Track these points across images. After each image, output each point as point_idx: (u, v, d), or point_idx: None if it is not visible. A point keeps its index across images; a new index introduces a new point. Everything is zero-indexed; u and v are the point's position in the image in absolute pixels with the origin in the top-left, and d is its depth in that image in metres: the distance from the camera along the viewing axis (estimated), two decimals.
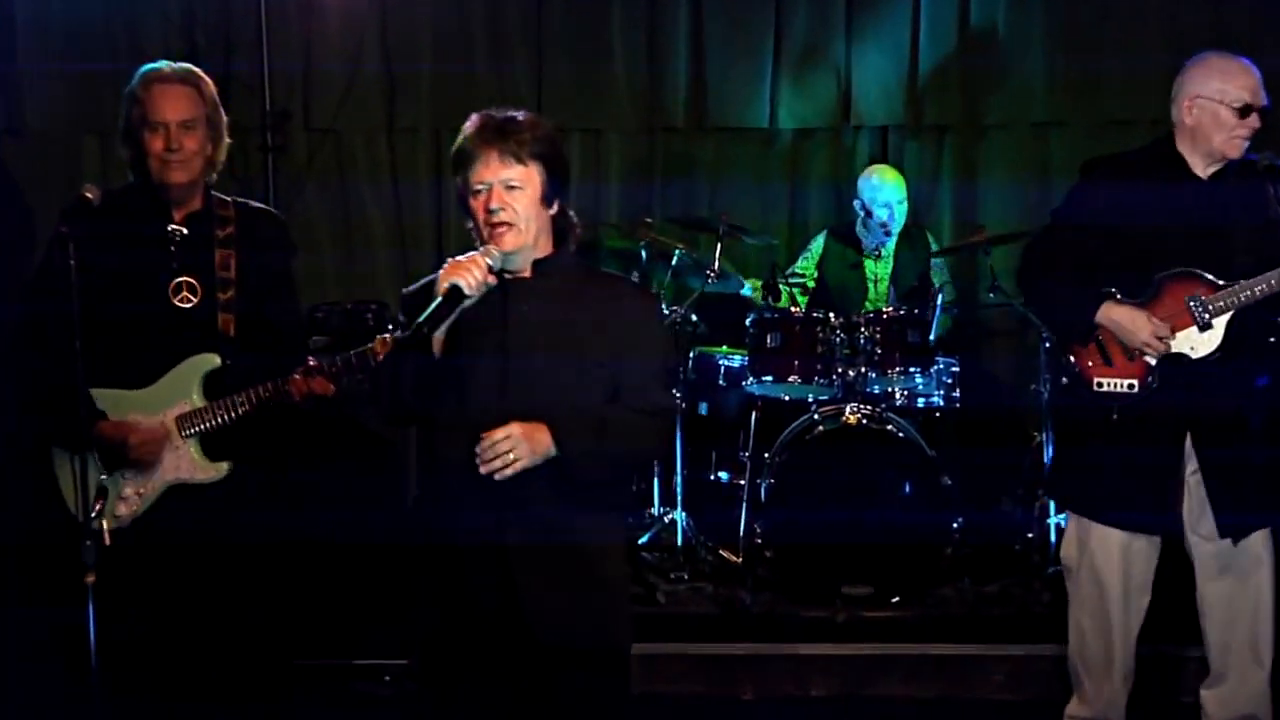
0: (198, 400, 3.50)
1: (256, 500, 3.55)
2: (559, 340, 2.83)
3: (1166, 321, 3.73)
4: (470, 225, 2.90)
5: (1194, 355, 3.76)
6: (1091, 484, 3.84)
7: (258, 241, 3.61)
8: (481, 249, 2.81)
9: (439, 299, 2.73)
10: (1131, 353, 3.78)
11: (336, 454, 4.97)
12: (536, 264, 2.88)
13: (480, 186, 2.82)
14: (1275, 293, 3.69)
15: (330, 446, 4.92)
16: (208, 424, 3.50)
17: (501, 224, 2.81)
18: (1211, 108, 3.72)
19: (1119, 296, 3.77)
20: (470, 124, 2.86)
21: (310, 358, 3.50)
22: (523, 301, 2.85)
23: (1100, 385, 3.80)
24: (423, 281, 2.92)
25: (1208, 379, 3.75)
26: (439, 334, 2.75)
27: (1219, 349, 3.74)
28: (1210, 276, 3.73)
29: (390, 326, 2.98)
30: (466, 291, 2.73)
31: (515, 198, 2.81)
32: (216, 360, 3.50)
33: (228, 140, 3.62)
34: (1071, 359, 3.84)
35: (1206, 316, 3.73)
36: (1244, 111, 3.71)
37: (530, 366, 2.80)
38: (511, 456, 2.73)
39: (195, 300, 3.50)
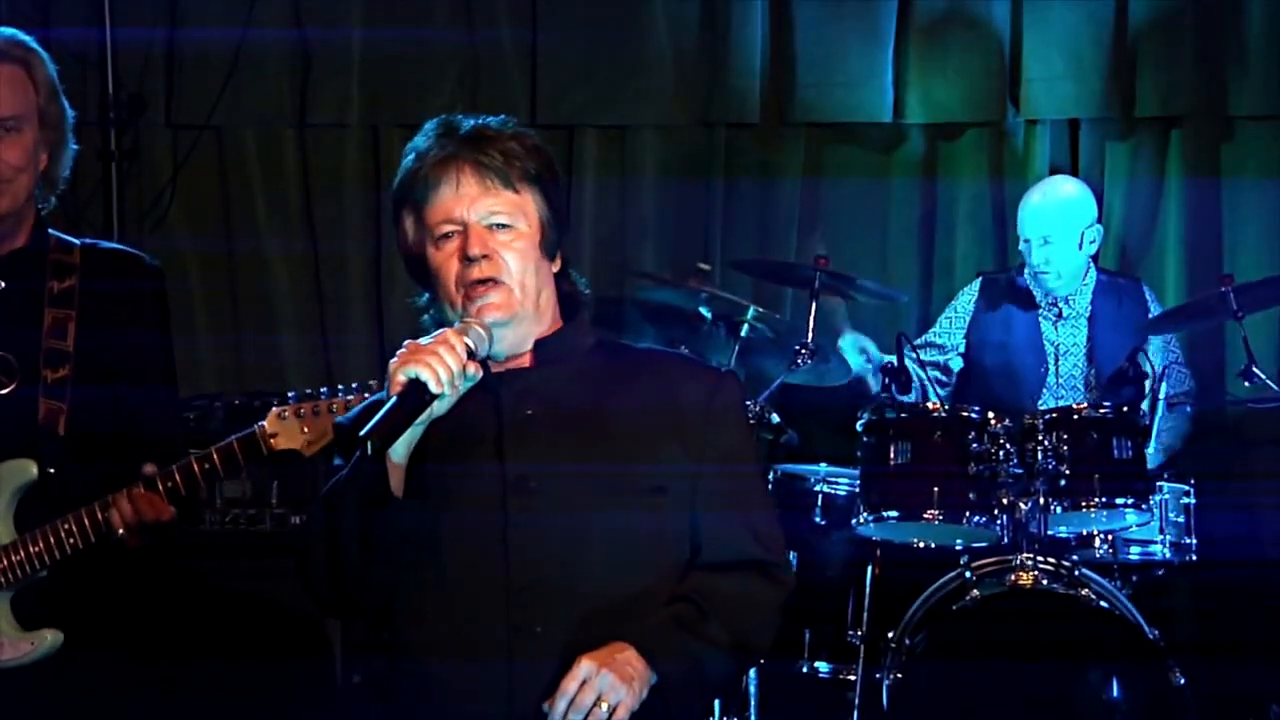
0: (3, 533, 3.53)
1: (100, 691, 3.56)
2: (584, 459, 2.83)
3: None
4: (427, 298, 2.90)
5: None
6: None
7: (114, 298, 3.66)
8: (458, 324, 2.80)
9: (392, 399, 2.67)
10: None
11: (230, 616, 5.00)
12: (540, 345, 2.92)
13: (449, 228, 2.83)
14: None
15: (220, 604, 4.97)
16: (18, 570, 3.52)
17: (486, 281, 2.82)
18: None
19: None
20: (424, 134, 2.88)
21: (148, 465, 3.50)
22: (524, 405, 2.87)
23: None
24: (370, 400, 2.82)
25: None
26: (399, 458, 2.72)
27: None
28: None
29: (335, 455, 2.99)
30: (433, 388, 2.68)
31: (505, 242, 2.83)
32: (33, 470, 3.53)
33: (73, 147, 3.70)
34: None
35: None
36: None
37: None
38: (604, 709, 2.71)
39: (10, 384, 3.57)
